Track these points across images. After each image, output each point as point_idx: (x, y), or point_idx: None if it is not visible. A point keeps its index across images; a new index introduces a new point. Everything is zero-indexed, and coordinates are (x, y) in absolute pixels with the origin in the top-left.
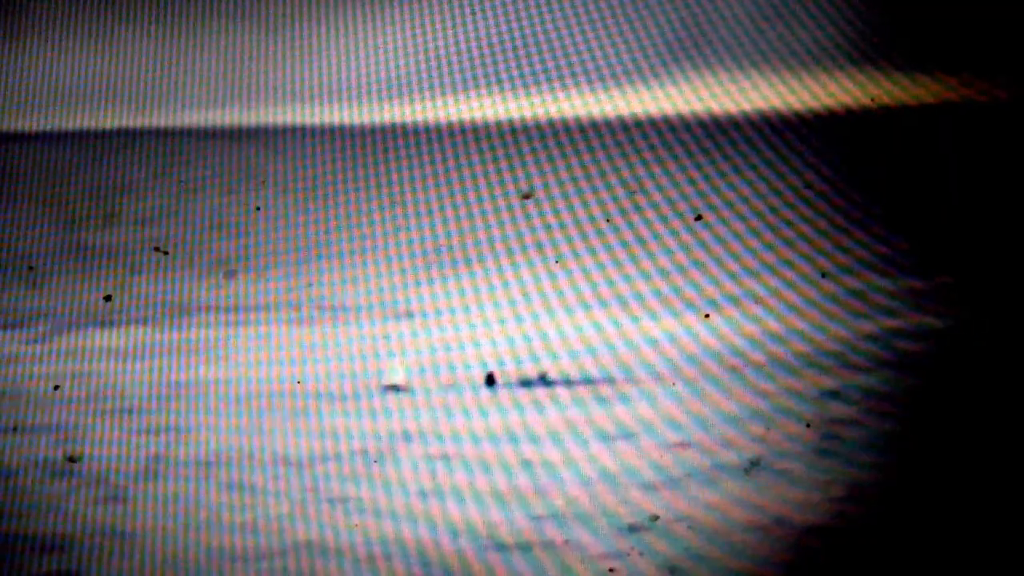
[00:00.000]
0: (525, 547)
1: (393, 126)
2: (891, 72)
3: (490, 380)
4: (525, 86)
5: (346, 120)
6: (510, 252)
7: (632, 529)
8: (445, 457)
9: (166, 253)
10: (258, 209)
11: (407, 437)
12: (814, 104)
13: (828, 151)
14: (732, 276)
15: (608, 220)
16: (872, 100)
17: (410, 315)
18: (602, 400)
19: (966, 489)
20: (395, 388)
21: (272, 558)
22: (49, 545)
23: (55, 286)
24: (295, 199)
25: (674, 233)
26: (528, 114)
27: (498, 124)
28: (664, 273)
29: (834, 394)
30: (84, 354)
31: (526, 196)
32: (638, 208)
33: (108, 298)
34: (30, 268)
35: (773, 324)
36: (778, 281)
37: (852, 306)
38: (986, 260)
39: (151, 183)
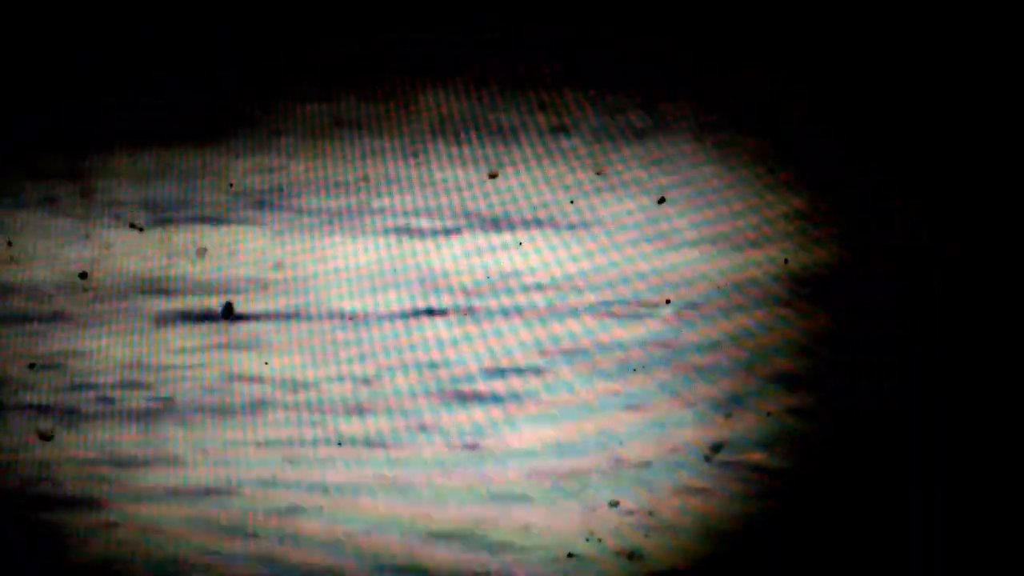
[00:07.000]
0: (479, 530)
1: (365, 106)
2: None
3: (227, 312)
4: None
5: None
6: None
7: (591, 513)
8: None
9: (141, 230)
10: (231, 186)
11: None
12: None
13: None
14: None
15: (572, 202)
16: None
17: (373, 290)
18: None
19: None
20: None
21: None
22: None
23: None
24: (267, 177)
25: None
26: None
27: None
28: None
29: (793, 379)
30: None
31: (492, 175)
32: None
33: (84, 275)
34: (9, 244)
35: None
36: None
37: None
38: None
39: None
